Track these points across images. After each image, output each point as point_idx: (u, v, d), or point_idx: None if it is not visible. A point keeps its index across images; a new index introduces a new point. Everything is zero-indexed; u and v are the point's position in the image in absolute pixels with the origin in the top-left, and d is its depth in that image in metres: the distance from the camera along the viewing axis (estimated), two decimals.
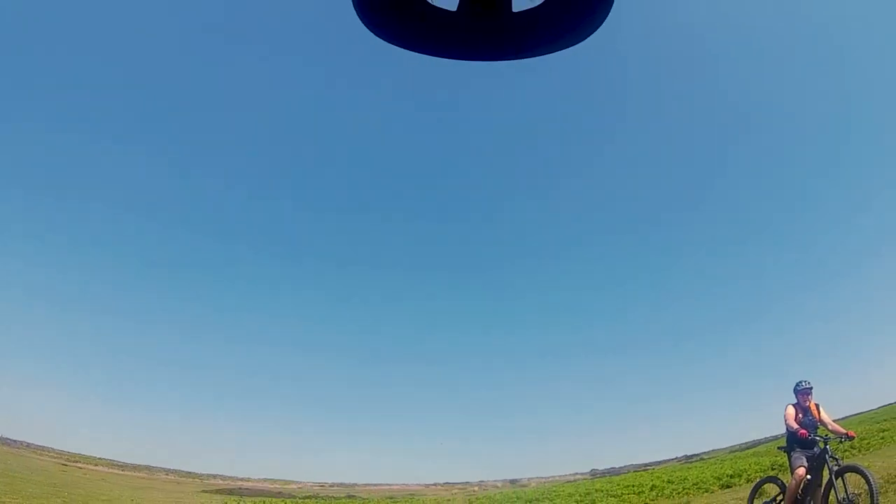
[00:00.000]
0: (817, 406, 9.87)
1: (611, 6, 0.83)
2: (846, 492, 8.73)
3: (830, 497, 8.96)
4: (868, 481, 8.32)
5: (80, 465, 71.65)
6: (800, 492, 9.31)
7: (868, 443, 22.03)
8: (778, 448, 10.51)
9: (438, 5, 0.87)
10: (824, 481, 9.15)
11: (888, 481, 9.82)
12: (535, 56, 0.91)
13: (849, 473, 8.89)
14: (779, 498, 9.89)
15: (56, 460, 73.03)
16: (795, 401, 9.95)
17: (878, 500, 8.14)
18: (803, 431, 9.34)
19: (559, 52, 0.92)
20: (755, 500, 10.44)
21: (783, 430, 9.98)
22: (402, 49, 0.90)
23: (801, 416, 9.75)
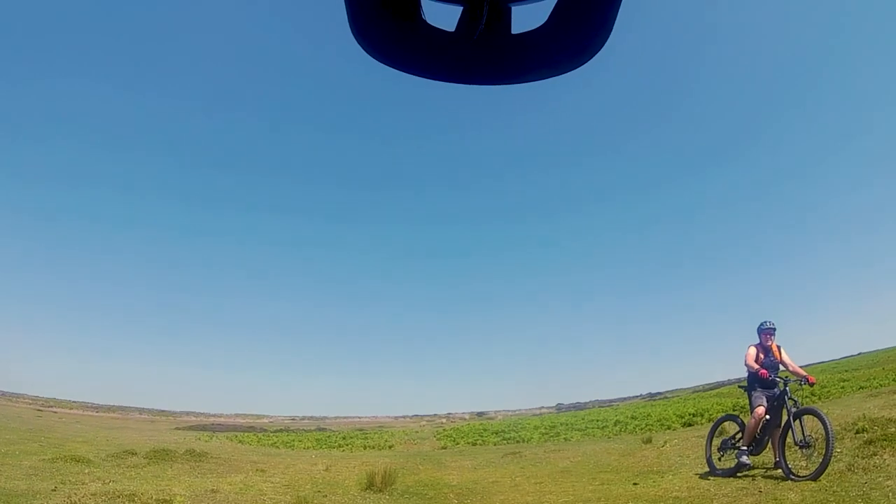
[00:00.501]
0: (779, 348, 9.96)
1: (611, 28, 0.83)
2: (803, 434, 8.88)
3: (788, 438, 9.08)
4: (825, 425, 8.38)
5: (54, 409, 71.98)
6: (758, 431, 9.50)
7: (828, 391, 22.51)
8: (738, 386, 10.60)
9: (436, 25, 0.86)
10: (783, 422, 9.29)
11: (844, 428, 10.06)
12: (534, 80, 0.90)
13: (807, 416, 9.03)
14: (738, 436, 10.04)
15: (31, 406, 73.30)
16: (758, 341, 10.02)
17: (833, 443, 8.23)
18: (764, 372, 9.43)
19: (559, 76, 0.90)
20: (714, 438, 10.54)
21: (746, 374, 10.06)
22: (398, 71, 0.88)
23: (762, 356, 9.84)
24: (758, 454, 9.67)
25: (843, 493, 7.17)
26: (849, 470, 8.11)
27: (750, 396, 9.86)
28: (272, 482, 12.62)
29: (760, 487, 8.28)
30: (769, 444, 9.56)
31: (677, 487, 9.15)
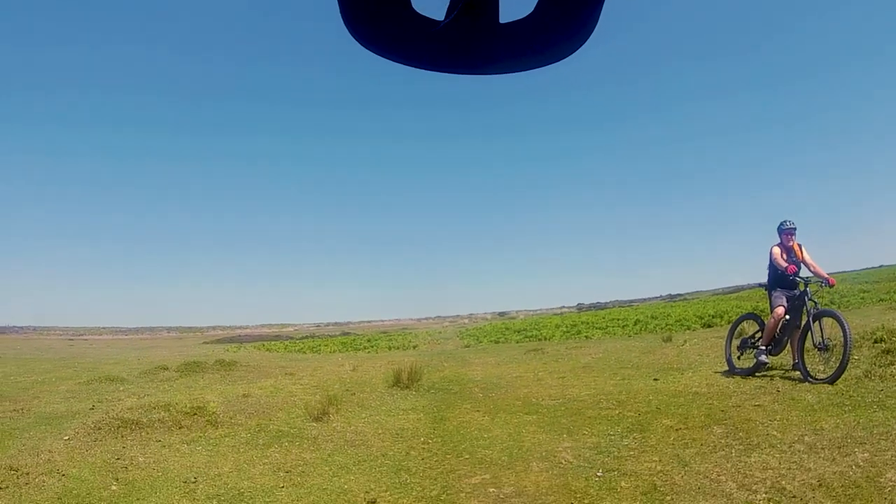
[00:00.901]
0: (800, 247, 9.87)
1: (598, 18, 0.83)
2: (822, 336, 8.94)
3: (807, 340, 9.15)
4: (843, 329, 8.40)
5: (85, 337, 73.10)
6: (778, 331, 9.56)
7: (848, 301, 22.40)
8: (759, 285, 10.54)
9: (425, 14, 0.85)
10: (802, 324, 9.33)
11: (863, 337, 10.10)
12: (522, 70, 0.90)
13: (826, 319, 9.05)
14: (757, 335, 10.10)
15: (62, 337, 74.41)
16: (779, 241, 9.91)
17: (851, 348, 8.27)
18: (792, 267, 9.39)
19: (547, 66, 0.90)
20: (734, 338, 10.62)
21: (766, 278, 10.08)
22: (387, 59, 0.88)
23: (784, 256, 9.75)
24: (776, 354, 9.78)
25: (860, 399, 7.32)
26: (865, 377, 8.24)
27: (770, 296, 9.88)
28: (301, 384, 13.01)
29: (778, 387, 8.45)
30: (788, 345, 9.65)
31: (696, 383, 9.36)
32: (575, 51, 0.87)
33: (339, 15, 0.83)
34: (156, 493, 6.34)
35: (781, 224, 9.85)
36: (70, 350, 35.06)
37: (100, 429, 8.55)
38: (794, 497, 4.97)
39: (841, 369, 8.26)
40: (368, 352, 25.86)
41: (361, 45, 0.85)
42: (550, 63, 0.89)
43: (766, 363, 9.51)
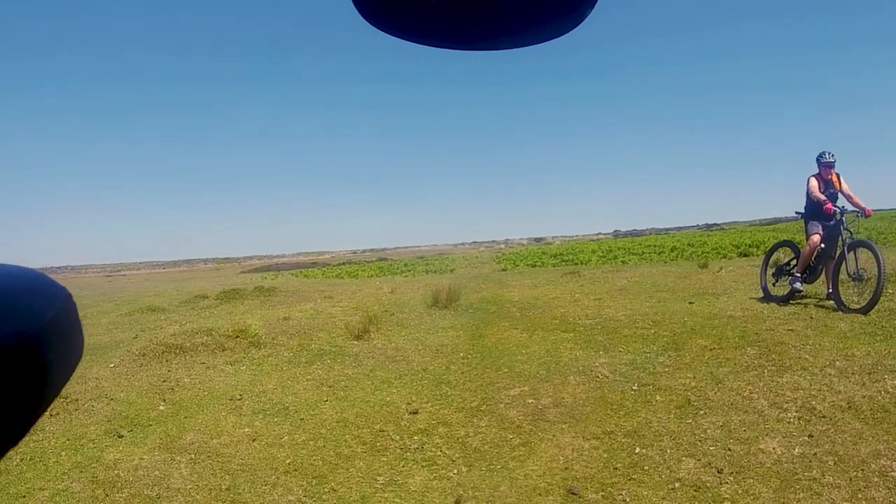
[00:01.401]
0: (839, 176, 9.66)
1: None
2: (856, 266, 8.88)
3: (841, 271, 9.07)
4: (877, 259, 8.34)
5: (123, 273, 73.92)
6: (813, 259, 9.49)
7: (885, 237, 22.03)
8: (796, 213, 10.34)
9: None
10: (837, 253, 9.25)
11: None
12: (520, 46, 0.86)
13: (861, 249, 8.95)
14: (792, 262, 10.04)
15: (100, 273, 75.14)
16: (817, 171, 9.69)
17: (884, 280, 8.22)
18: (829, 206, 9.21)
19: (548, 41, 0.85)
20: (769, 265, 10.57)
21: (803, 207, 9.90)
22: (385, 34, 0.83)
23: (822, 187, 9.56)
24: (811, 282, 9.75)
25: (892, 329, 7.33)
26: None
27: (806, 224, 9.76)
28: (341, 306, 13.24)
29: (811, 314, 8.48)
30: (822, 274, 9.61)
31: (731, 308, 9.42)
32: (576, 26, 0.83)
33: None
34: (202, 410, 6.62)
35: (820, 155, 9.65)
36: (109, 286, 35.68)
37: (144, 355, 8.85)
38: (823, 417, 5.08)
39: (874, 300, 8.25)
40: (406, 276, 26.05)
41: (364, 16, 0.80)
42: (551, 39, 0.85)
43: (800, 291, 9.51)
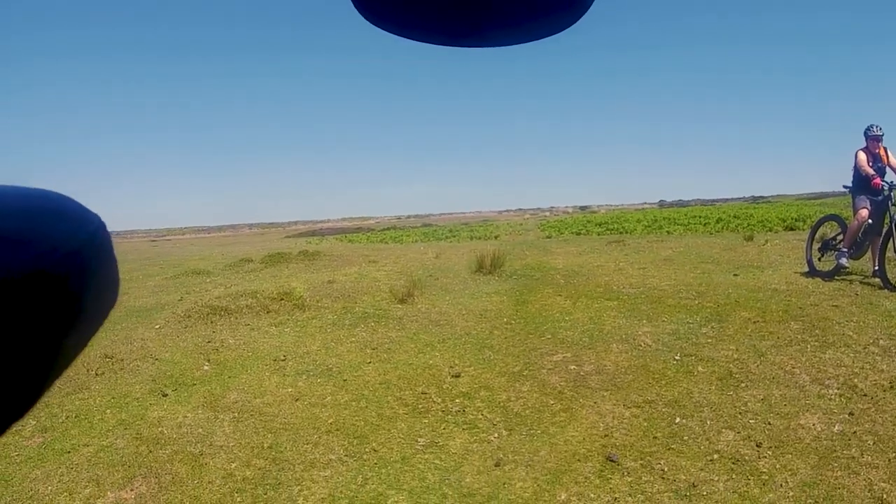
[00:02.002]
0: (886, 151, 9.35)
1: None
2: None
3: (888, 246, 8.82)
4: None
5: (168, 238, 74.68)
6: (859, 234, 9.23)
7: None
8: (843, 186, 10.05)
9: None
10: (885, 230, 8.98)
11: None
12: (516, 43, 0.81)
13: None
14: (839, 237, 9.79)
15: (145, 238, 75.97)
16: (865, 146, 9.38)
17: None
18: (877, 181, 8.93)
19: (543, 39, 0.82)
20: (815, 239, 10.33)
21: (850, 181, 9.59)
22: (382, 30, 0.76)
23: (871, 161, 9.26)
24: (857, 258, 9.50)
25: None
26: None
27: (854, 198, 9.47)
28: (385, 270, 13.30)
29: (857, 291, 8.31)
30: (869, 251, 9.34)
31: (776, 281, 9.28)
32: (572, 24, 0.78)
33: None
34: (246, 371, 6.72)
35: (868, 129, 9.33)
36: (153, 250, 36.01)
37: (189, 316, 8.99)
38: (864, 395, 5.01)
39: None
40: (450, 241, 26.04)
41: (360, 11, 0.74)
42: (545, 37, 0.80)
43: (845, 266, 9.29)
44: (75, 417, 5.62)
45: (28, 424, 5.51)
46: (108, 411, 5.74)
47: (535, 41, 0.83)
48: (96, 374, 6.73)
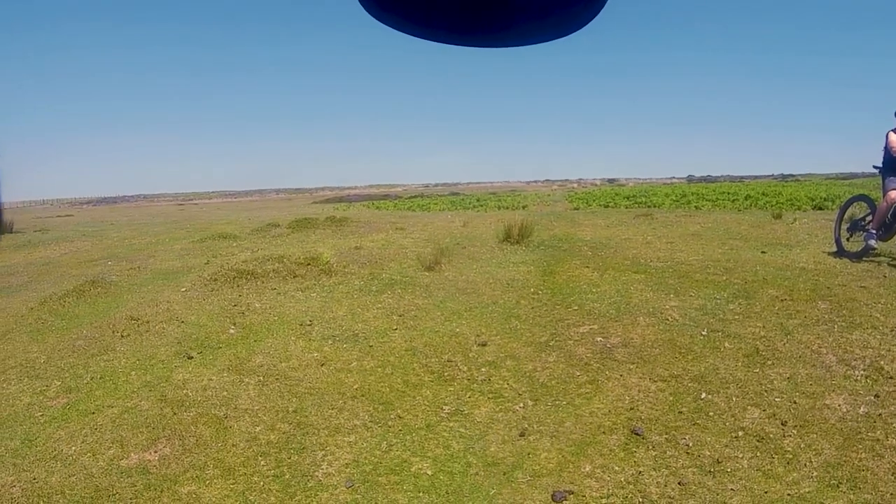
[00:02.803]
0: None
1: None
2: None
3: None
4: None
5: (195, 202, 75.03)
6: (889, 216, 8.98)
7: None
8: (874, 167, 9.81)
9: None
10: None
11: None
12: (529, 44, 0.81)
13: None
14: (867, 218, 9.53)
15: (172, 202, 76.29)
16: (894, 126, 9.03)
17: None
18: None
19: (556, 39, 0.81)
20: (844, 219, 10.11)
21: (881, 161, 9.26)
22: (393, 30, 0.79)
23: None
24: (886, 240, 9.27)
25: None
26: None
27: (884, 179, 9.17)
28: (412, 238, 13.29)
29: (885, 272, 8.15)
30: None
31: (804, 260, 9.14)
32: (588, 22, 0.78)
33: None
34: (272, 335, 6.72)
35: None
36: (181, 214, 36.29)
37: (216, 280, 9.01)
38: (890, 378, 4.92)
39: None
40: (478, 210, 25.95)
41: (369, 13, 0.77)
42: (559, 37, 0.81)
43: (874, 248, 9.08)
44: (100, 378, 5.68)
45: (52, 385, 5.59)
46: (133, 373, 5.79)
47: (548, 41, 0.82)
48: (122, 336, 6.79)
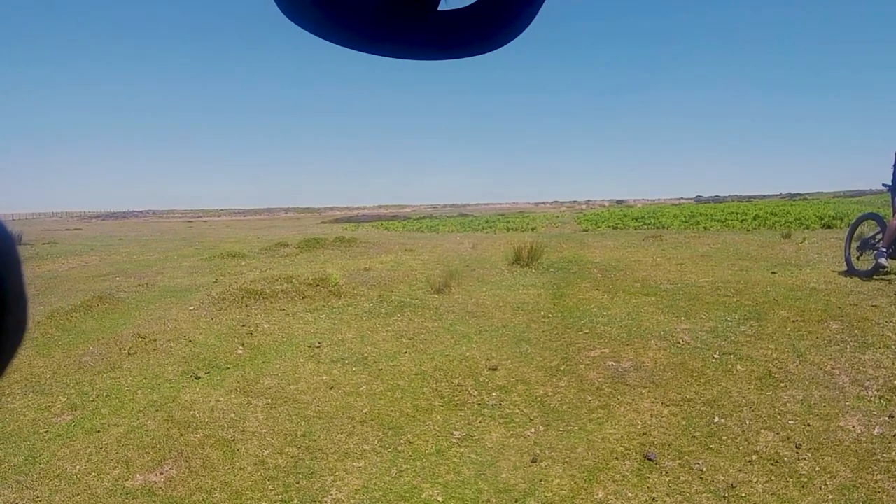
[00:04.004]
0: None
1: (538, 10, 0.74)
2: None
3: None
4: None
5: (204, 219, 75.51)
6: None
7: None
8: (883, 185, 9.80)
9: None
10: None
11: None
12: (456, 57, 0.79)
13: None
14: (878, 236, 9.45)
15: (181, 219, 76.72)
16: None
17: None
18: None
19: (484, 53, 0.79)
20: (853, 238, 10.05)
21: (890, 180, 9.25)
22: (317, 37, 0.76)
23: None
24: None
25: None
26: None
27: (893, 197, 9.20)
28: (421, 259, 13.30)
29: None
30: None
31: (814, 280, 9.10)
32: (514, 39, 0.77)
33: None
34: (281, 356, 6.71)
35: None
36: (190, 231, 36.37)
37: (224, 299, 9.02)
38: None
39: None
40: (486, 232, 25.94)
41: (297, 24, 0.74)
42: (487, 51, 0.78)
43: (884, 266, 9.03)
44: (106, 396, 5.67)
45: (58, 401, 5.58)
46: (140, 392, 5.78)
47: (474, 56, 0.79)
48: (129, 354, 6.79)
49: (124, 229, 40.88)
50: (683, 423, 4.75)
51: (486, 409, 5.24)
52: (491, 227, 29.57)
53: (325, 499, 4.00)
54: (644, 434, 4.61)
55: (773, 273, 9.84)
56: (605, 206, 77.52)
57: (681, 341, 6.48)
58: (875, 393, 4.97)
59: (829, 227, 20.21)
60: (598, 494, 3.87)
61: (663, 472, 4.07)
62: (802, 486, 3.80)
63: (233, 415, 5.24)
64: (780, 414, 4.75)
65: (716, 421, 4.72)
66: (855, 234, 10.10)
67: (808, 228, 19.82)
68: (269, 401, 5.53)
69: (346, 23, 0.75)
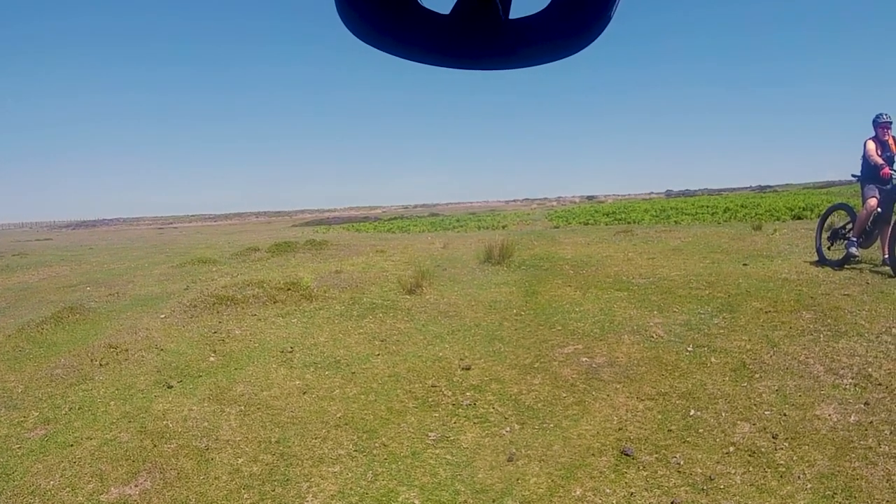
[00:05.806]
0: (895, 139, 9.22)
1: (610, 18, 0.75)
2: None
3: None
4: None
5: (174, 225, 74.85)
6: (869, 223, 9.14)
7: None
8: (852, 175, 9.86)
9: (430, 8, 0.76)
10: (894, 219, 8.90)
11: None
12: (528, 66, 0.81)
13: None
14: (848, 226, 9.65)
15: (151, 226, 75.95)
16: (874, 134, 9.23)
17: None
18: (886, 171, 8.82)
19: (556, 61, 0.80)
20: (824, 228, 10.21)
21: (859, 170, 9.44)
22: (388, 54, 0.78)
23: (879, 150, 9.13)
24: (867, 247, 9.37)
25: None
26: None
27: (863, 188, 9.35)
28: (393, 260, 13.26)
29: (867, 280, 8.22)
30: (878, 240, 9.24)
31: (786, 270, 9.19)
32: (583, 48, 0.78)
33: (335, 6, 0.73)
34: (253, 362, 6.64)
35: (877, 117, 9.18)
36: (160, 238, 36.00)
37: (195, 306, 8.90)
38: (879, 384, 4.94)
39: None
40: (458, 231, 25.92)
41: (360, 38, 0.76)
42: (558, 59, 0.80)
43: (855, 255, 9.16)
44: (78, 409, 5.56)
45: (30, 416, 5.47)
46: (112, 403, 5.68)
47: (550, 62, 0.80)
48: (100, 365, 6.68)
49: (94, 238, 40.30)
50: (659, 416, 4.76)
51: (460, 410, 5.22)
52: (462, 227, 29.57)
53: None
54: (620, 429, 4.61)
55: (745, 265, 9.93)
56: (575, 203, 77.89)
57: (654, 335, 6.50)
58: (850, 381, 5.03)
59: (799, 217, 20.48)
60: (575, 492, 3.87)
61: (641, 467, 4.07)
62: (780, 476, 3.82)
63: (206, 423, 5.17)
64: (755, 405, 4.79)
65: (692, 414, 4.74)
66: (826, 225, 10.24)
67: (778, 220, 20.06)
68: (243, 408, 5.46)
69: (418, 39, 0.76)
